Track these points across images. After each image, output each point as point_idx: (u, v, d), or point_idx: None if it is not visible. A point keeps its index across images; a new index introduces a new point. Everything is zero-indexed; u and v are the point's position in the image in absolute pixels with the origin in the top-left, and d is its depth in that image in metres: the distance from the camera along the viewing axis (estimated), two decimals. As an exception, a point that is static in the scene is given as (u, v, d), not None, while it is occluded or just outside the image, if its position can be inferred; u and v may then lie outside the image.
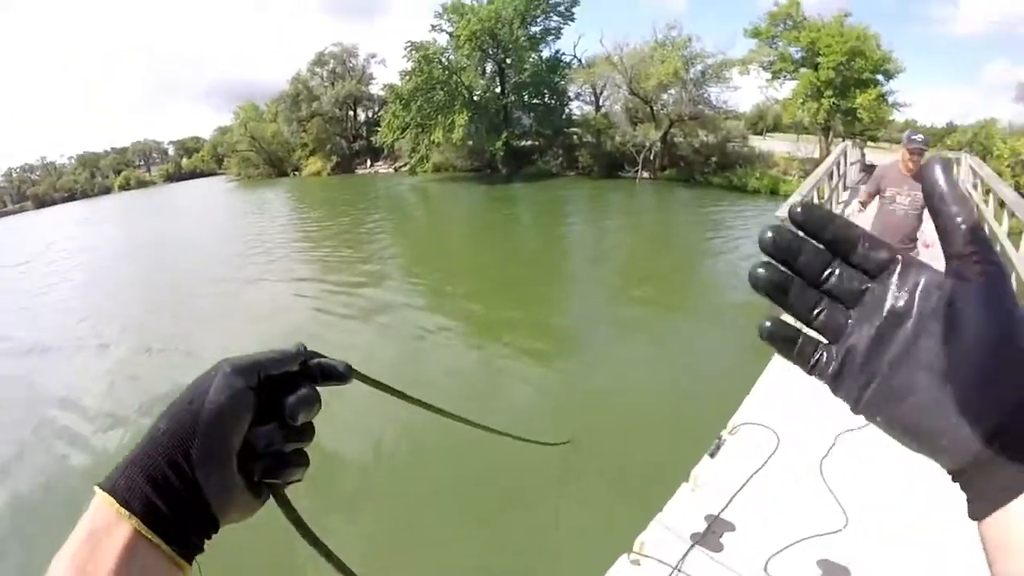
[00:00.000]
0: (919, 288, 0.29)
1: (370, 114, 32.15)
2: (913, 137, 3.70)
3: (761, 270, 0.32)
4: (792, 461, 2.77)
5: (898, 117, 26.69)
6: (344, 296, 8.75)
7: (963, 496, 0.28)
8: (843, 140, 19.73)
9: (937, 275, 0.28)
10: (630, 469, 3.80)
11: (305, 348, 0.41)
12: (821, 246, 0.31)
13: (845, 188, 12.41)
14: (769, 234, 0.32)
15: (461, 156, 24.87)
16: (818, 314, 0.31)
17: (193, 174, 54.01)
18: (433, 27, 26.46)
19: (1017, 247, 5.63)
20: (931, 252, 4.57)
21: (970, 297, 0.26)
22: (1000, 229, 6.89)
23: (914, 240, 3.94)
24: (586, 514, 3.42)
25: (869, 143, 23.46)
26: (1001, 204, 7.42)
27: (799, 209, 0.32)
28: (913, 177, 3.77)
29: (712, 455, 2.81)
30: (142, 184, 56.75)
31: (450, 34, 25.84)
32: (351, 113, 31.92)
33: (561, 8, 25.02)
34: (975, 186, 10.49)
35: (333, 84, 32.69)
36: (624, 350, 6.29)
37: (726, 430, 3.05)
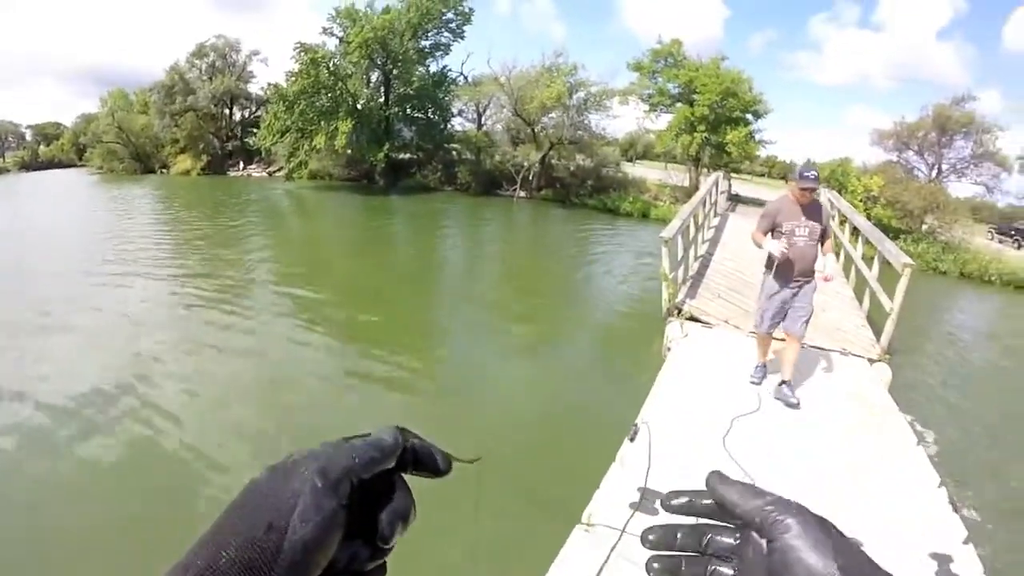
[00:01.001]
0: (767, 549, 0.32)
1: (246, 114, 30.16)
2: (806, 174, 3.69)
3: (656, 564, 0.37)
4: (699, 439, 3.36)
5: (762, 153, 29.17)
6: (213, 305, 7.80)
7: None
8: (710, 171, 20.98)
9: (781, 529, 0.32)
10: (544, 478, 3.78)
11: (402, 434, 0.34)
12: (693, 521, 0.37)
13: (716, 215, 13.32)
14: (651, 537, 0.37)
15: (339, 165, 23.79)
16: None
17: (51, 164, 47.80)
18: (324, 30, 25.45)
19: (870, 267, 6.44)
20: (831, 286, 5.02)
21: (790, 554, 0.30)
22: (855, 253, 7.77)
23: (812, 272, 3.93)
24: (508, 525, 3.27)
25: (733, 175, 25.23)
26: (855, 232, 8.33)
27: (670, 503, 0.38)
28: (805, 209, 3.81)
29: (632, 439, 3.25)
30: (-7, 170, 49.55)
31: (340, 39, 24.92)
32: (227, 111, 29.71)
33: (453, 25, 24.96)
34: (832, 216, 11.51)
35: (211, 79, 30.35)
36: (508, 366, 6.24)
37: (639, 419, 3.47)
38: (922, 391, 6.19)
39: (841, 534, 0.32)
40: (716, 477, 0.36)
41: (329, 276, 10.34)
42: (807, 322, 3.99)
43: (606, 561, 2.29)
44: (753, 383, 4.14)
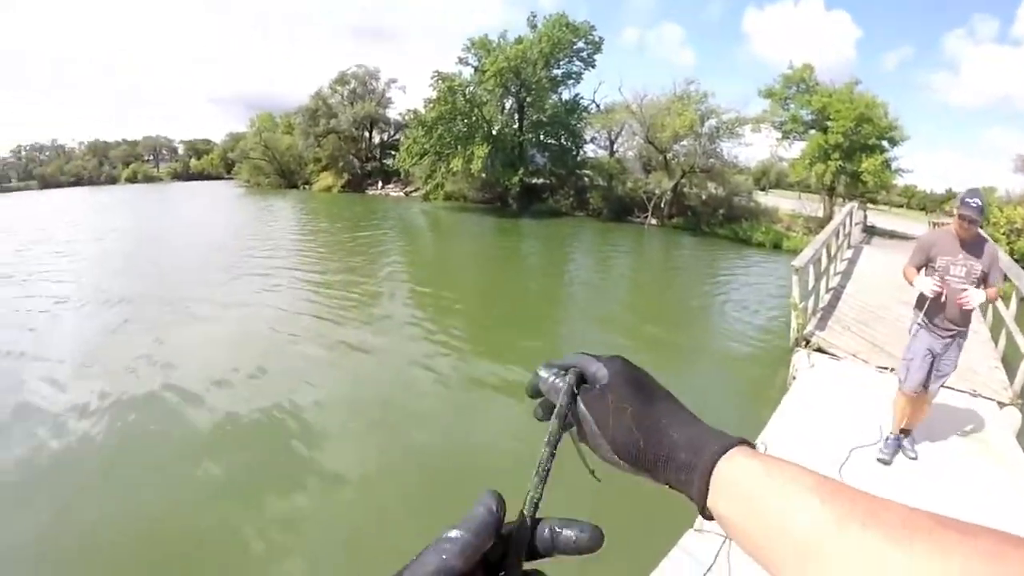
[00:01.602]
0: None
1: (385, 137, 32.72)
2: (968, 200, 3.18)
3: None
4: (816, 464, 3.58)
5: (899, 182, 27.72)
6: (347, 310, 8.86)
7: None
8: (845, 201, 20.47)
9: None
10: (664, 491, 4.19)
11: (497, 506, 0.32)
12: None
13: (849, 246, 13.18)
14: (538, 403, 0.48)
15: (474, 187, 25.41)
16: None
17: (201, 175, 54.32)
18: (460, 60, 27.36)
19: (1007, 306, 6.34)
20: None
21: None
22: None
23: (968, 321, 3.44)
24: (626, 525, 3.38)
25: (869, 205, 24.28)
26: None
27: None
28: (965, 244, 3.32)
29: None
30: (149, 179, 56.90)
31: (475, 68, 26.67)
32: (367, 134, 32.46)
33: (584, 54, 25.95)
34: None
35: (352, 104, 33.33)
36: None
37: (758, 440, 3.51)
38: None
39: (623, 407, 0.41)
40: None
41: (460, 291, 11.16)
42: (945, 382, 3.56)
43: (714, 562, 2.53)
44: (882, 459, 3.59)
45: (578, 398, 0.42)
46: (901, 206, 38.60)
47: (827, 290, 8.36)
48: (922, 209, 35.03)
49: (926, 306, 3.41)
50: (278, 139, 38.55)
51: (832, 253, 9.17)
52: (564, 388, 0.43)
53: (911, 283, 3.47)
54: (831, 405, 4.53)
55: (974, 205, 3.16)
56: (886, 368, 5.51)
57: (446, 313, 9.16)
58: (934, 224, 19.60)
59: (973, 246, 3.33)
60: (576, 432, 0.43)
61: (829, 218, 20.70)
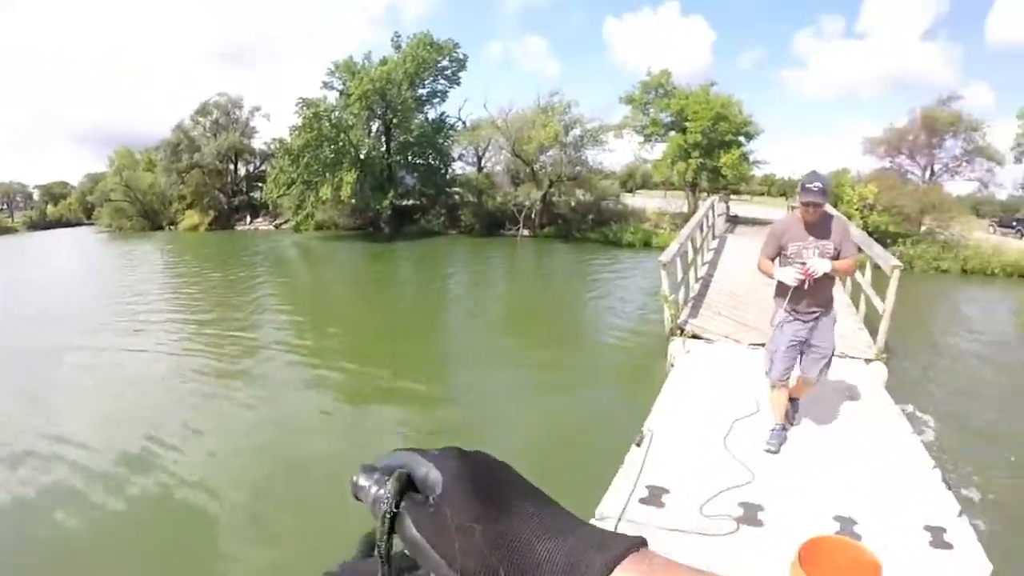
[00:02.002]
0: None
1: (251, 168, 30.86)
2: (808, 186, 3.10)
3: None
4: (701, 441, 3.60)
5: (757, 172, 29.70)
6: (221, 356, 8.13)
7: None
8: (708, 195, 21.47)
9: None
10: (559, 485, 4.00)
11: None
12: None
13: (714, 237, 13.81)
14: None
15: (344, 214, 24.41)
16: None
17: (59, 223, 48.83)
18: (325, 84, 26.30)
19: (863, 273, 6.72)
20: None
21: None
22: None
23: (830, 302, 3.39)
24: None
25: (732, 196, 25.73)
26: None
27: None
28: (813, 227, 3.25)
29: (638, 444, 3.47)
30: (4, 230, 50.42)
31: (340, 92, 25.73)
32: (232, 166, 30.44)
33: (448, 72, 25.77)
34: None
35: (215, 135, 31.16)
36: (518, 392, 6.58)
37: (644, 427, 3.71)
38: (918, 385, 6.51)
39: (470, 525, 0.31)
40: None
41: (337, 322, 10.62)
42: (828, 364, 3.47)
43: None
44: (770, 450, 3.44)
45: (405, 517, 0.32)
46: (762, 194, 41.77)
47: (696, 280, 8.70)
48: (782, 195, 37.97)
49: (789, 294, 3.31)
50: (139, 177, 35.31)
51: (698, 245, 9.52)
52: (383, 507, 0.32)
53: (770, 275, 3.41)
54: (710, 385, 4.73)
55: (815, 189, 3.09)
56: (759, 344, 5.84)
57: (325, 346, 8.69)
58: (792, 208, 21.01)
59: (821, 226, 3.27)
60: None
61: (693, 213, 21.69)
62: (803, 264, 3.21)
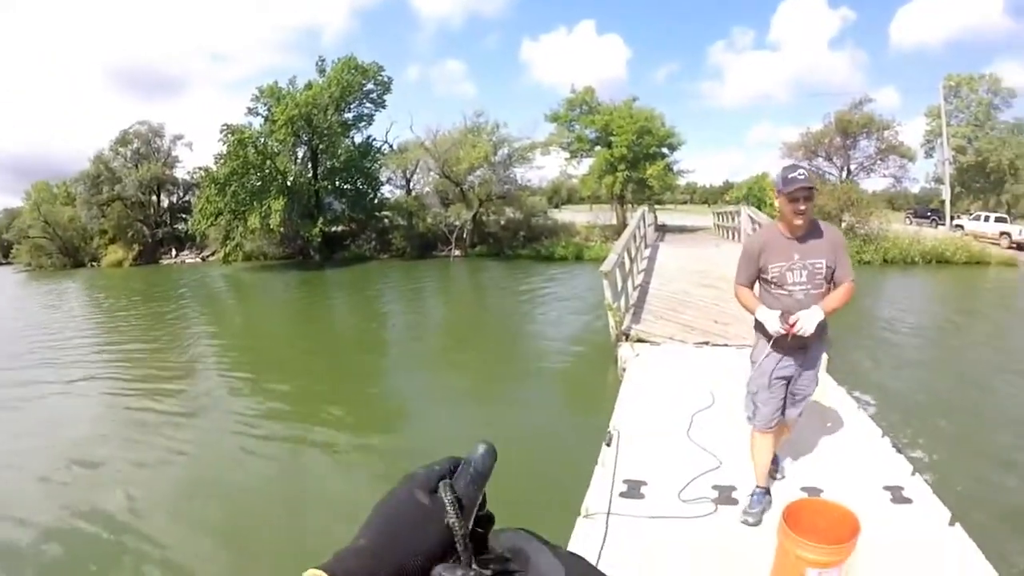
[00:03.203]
0: None
1: (175, 200, 29.82)
2: (792, 176, 2.44)
3: None
4: (667, 435, 3.73)
5: (682, 182, 30.72)
6: (154, 396, 7.71)
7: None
8: (634, 206, 22.05)
9: None
10: (546, 483, 4.10)
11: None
12: None
13: (646, 246, 14.30)
14: None
15: (273, 243, 23.90)
16: None
17: (-26, 264, 45.90)
18: (249, 110, 25.77)
19: None
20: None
21: None
22: None
23: (824, 328, 2.60)
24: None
25: (657, 207, 26.51)
26: None
27: None
28: (801, 240, 2.56)
29: (608, 444, 3.55)
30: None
31: (265, 118, 25.24)
32: (155, 198, 29.32)
33: (374, 95, 25.65)
34: (754, 230, 12.67)
35: (137, 166, 29.95)
36: (466, 418, 6.39)
37: (611, 427, 3.80)
38: (857, 366, 7.03)
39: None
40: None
41: (269, 355, 10.37)
42: (805, 406, 2.89)
43: (604, 541, 2.64)
44: (747, 521, 2.72)
45: None
46: (685, 202, 43.40)
47: (635, 287, 9.02)
48: (704, 202, 39.46)
49: (772, 339, 2.62)
50: (58, 212, 33.51)
51: (633, 254, 9.85)
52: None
53: (750, 311, 2.70)
54: (664, 384, 4.91)
55: (801, 176, 2.41)
56: (703, 343, 6.22)
57: (257, 380, 8.28)
58: (719, 215, 21.72)
59: (809, 238, 2.56)
60: None
61: (623, 225, 22.19)
62: (786, 291, 2.61)
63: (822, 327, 2.58)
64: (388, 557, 0.35)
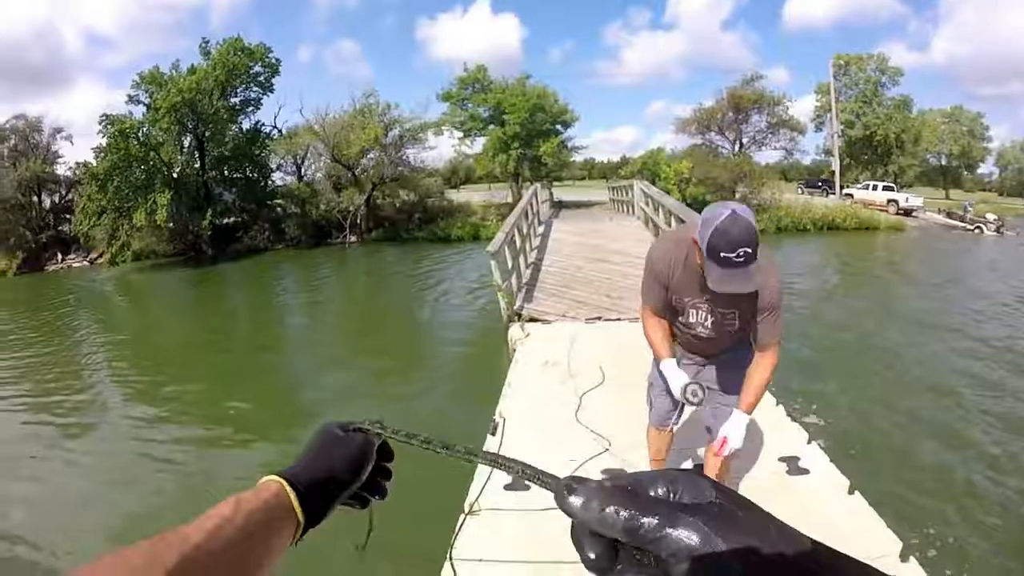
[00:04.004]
0: None
1: (56, 199, 28.15)
2: (726, 255, 1.68)
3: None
4: (554, 419, 3.67)
5: (577, 158, 31.56)
6: (48, 408, 7.60)
7: None
8: (531, 184, 22.63)
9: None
10: (424, 482, 4.17)
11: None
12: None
13: (540, 223, 14.57)
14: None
15: (163, 240, 23.09)
16: None
17: None
18: (130, 98, 24.51)
19: None
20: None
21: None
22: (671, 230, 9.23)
23: (739, 340, 2.16)
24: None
25: (556, 183, 27.23)
26: (669, 213, 9.69)
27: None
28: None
29: (492, 433, 3.48)
30: None
31: (148, 106, 24.14)
32: (36, 199, 27.59)
33: (261, 79, 24.85)
34: (647, 203, 13.15)
35: (15, 164, 28.01)
36: (368, 403, 6.47)
37: (496, 415, 3.72)
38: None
39: (765, 526, 0.28)
40: (565, 491, 0.31)
41: (165, 358, 10.21)
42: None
43: (491, 538, 2.53)
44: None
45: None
46: (583, 178, 44.62)
47: (527, 265, 8.92)
48: (602, 178, 40.75)
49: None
50: (-68, 219, 31.08)
51: (524, 232, 9.78)
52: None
53: (656, 353, 2.20)
54: (553, 364, 4.78)
55: (739, 258, 1.66)
56: (594, 318, 6.23)
57: (155, 389, 8.12)
58: (614, 189, 22.44)
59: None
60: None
61: (518, 202, 22.79)
62: (686, 329, 2.19)
63: (735, 339, 2.15)
64: (318, 465, 0.55)
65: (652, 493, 0.29)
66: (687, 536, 0.26)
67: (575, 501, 0.30)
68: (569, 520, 0.30)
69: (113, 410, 7.41)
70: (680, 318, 2.17)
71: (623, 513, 0.28)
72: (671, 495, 0.29)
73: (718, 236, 1.67)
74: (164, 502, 4.69)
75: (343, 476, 0.56)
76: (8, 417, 7.40)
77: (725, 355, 2.25)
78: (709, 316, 2.07)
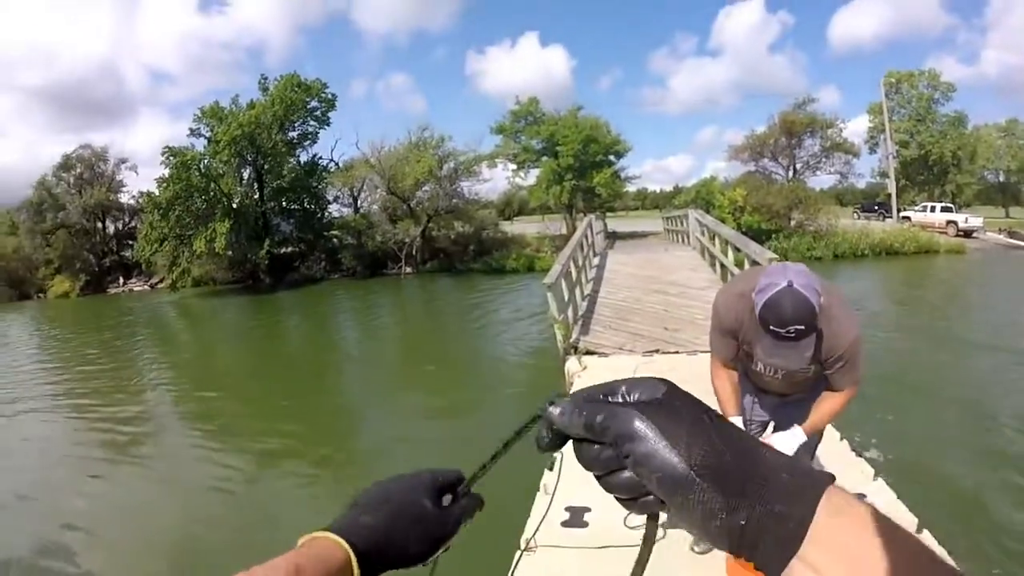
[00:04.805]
0: None
1: (120, 226, 29.16)
2: (776, 329, 1.62)
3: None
4: None
5: (630, 188, 31.22)
6: (108, 424, 7.67)
7: None
8: (585, 215, 22.37)
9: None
10: (471, 536, 3.99)
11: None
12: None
13: (595, 254, 14.28)
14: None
15: (222, 268, 23.58)
16: None
17: (-82, 299, 44.05)
18: (192, 131, 25.39)
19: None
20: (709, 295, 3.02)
21: (644, 465, 0.33)
22: (727, 260, 8.75)
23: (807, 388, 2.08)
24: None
25: (608, 214, 26.88)
26: (725, 242, 9.31)
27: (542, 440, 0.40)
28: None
29: (551, 468, 3.27)
30: None
31: (209, 139, 24.89)
32: (100, 225, 28.64)
33: (318, 113, 25.48)
34: (703, 233, 12.79)
35: (81, 192, 29.19)
36: (425, 434, 6.48)
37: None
38: None
39: (699, 416, 0.33)
40: (548, 405, 0.38)
41: (227, 385, 10.22)
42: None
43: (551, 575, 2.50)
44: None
45: (632, 412, 0.34)
46: (636, 208, 44.09)
47: (583, 297, 8.76)
48: (655, 207, 40.22)
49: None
50: (2, 242, 32.49)
51: (580, 263, 9.66)
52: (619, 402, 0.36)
53: (723, 408, 2.11)
54: None
55: (789, 333, 1.60)
56: (652, 351, 6.01)
57: (215, 410, 8.21)
58: (668, 219, 22.06)
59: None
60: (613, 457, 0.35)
61: (572, 234, 22.53)
62: (758, 387, 2.20)
63: (803, 387, 2.07)
64: (392, 539, 0.48)
65: (612, 398, 0.36)
66: (624, 425, 0.33)
67: (553, 410, 0.38)
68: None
69: (167, 426, 7.52)
70: (752, 366, 2.06)
71: (583, 415, 0.35)
72: (630, 396, 0.35)
73: (768, 310, 1.60)
74: (212, 514, 4.82)
75: (413, 557, 0.49)
76: (68, 427, 7.61)
77: (799, 396, 2.16)
78: (778, 371, 1.96)
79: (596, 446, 0.35)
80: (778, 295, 1.59)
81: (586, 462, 0.37)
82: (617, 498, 0.37)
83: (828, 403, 2.01)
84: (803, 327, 1.58)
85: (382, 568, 0.47)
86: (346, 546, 0.45)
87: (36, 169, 40.69)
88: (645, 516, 0.37)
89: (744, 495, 0.30)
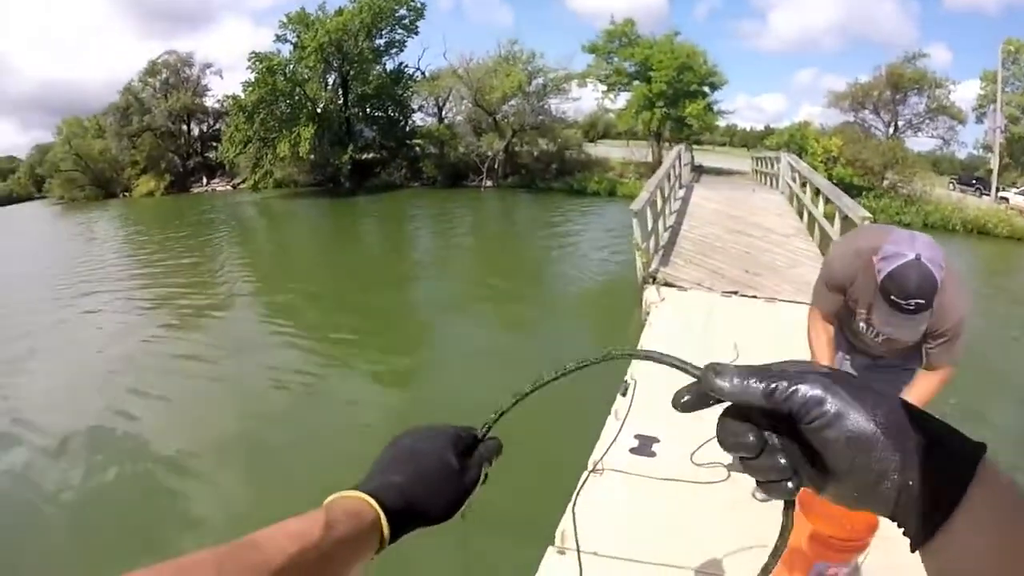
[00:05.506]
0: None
1: (204, 128, 29.68)
2: (897, 300, 1.57)
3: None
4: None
5: (722, 123, 29.59)
6: (191, 323, 7.77)
7: None
8: (672, 145, 21.31)
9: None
10: (548, 438, 3.69)
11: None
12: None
13: (680, 187, 13.59)
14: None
15: (304, 171, 23.71)
16: None
17: (9, 199, 46.58)
18: (278, 37, 25.30)
19: (832, 224, 6.75)
20: (798, 243, 3.23)
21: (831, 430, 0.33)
22: (817, 211, 8.13)
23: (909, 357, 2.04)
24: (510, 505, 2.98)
25: (695, 146, 25.61)
26: (817, 192, 8.65)
27: (679, 402, 0.41)
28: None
29: (623, 394, 3.32)
30: (-52, 213, 47.96)
31: (295, 45, 24.78)
32: (185, 128, 29.21)
33: (406, 21, 24.91)
34: (794, 179, 12.02)
35: (166, 96, 29.79)
36: (497, 347, 6.39)
37: (627, 376, 3.48)
38: None
39: (869, 384, 0.34)
40: (711, 373, 0.37)
41: (305, 282, 10.27)
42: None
43: (611, 497, 2.54)
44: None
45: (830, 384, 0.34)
46: (724, 144, 41.94)
47: (665, 228, 8.59)
48: (744, 146, 38.09)
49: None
50: (89, 145, 33.68)
51: (666, 194, 9.47)
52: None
53: (816, 359, 2.04)
54: (686, 332, 4.71)
55: (909, 306, 1.56)
56: (731, 292, 5.88)
57: (294, 306, 8.36)
58: (758, 160, 20.86)
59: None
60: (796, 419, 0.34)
61: (658, 163, 21.45)
62: (859, 350, 2.14)
63: (904, 354, 1.99)
64: (419, 497, 0.48)
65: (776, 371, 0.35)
66: (815, 388, 0.33)
67: (720, 380, 0.36)
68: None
69: (248, 328, 7.49)
70: (854, 325, 1.99)
71: (761, 382, 0.34)
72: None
73: (893, 281, 1.57)
74: (271, 410, 4.89)
75: (439, 516, 0.50)
76: (146, 315, 7.83)
77: (891, 361, 2.09)
78: (881, 336, 1.88)
79: (745, 425, 0.36)
80: (905, 267, 1.56)
81: (730, 443, 0.36)
82: (759, 482, 0.36)
83: (923, 382, 1.90)
84: (923, 301, 1.56)
85: (410, 527, 0.48)
86: (375, 505, 0.45)
87: (122, 78, 42.14)
88: (756, 487, 0.38)
89: (916, 454, 0.31)
